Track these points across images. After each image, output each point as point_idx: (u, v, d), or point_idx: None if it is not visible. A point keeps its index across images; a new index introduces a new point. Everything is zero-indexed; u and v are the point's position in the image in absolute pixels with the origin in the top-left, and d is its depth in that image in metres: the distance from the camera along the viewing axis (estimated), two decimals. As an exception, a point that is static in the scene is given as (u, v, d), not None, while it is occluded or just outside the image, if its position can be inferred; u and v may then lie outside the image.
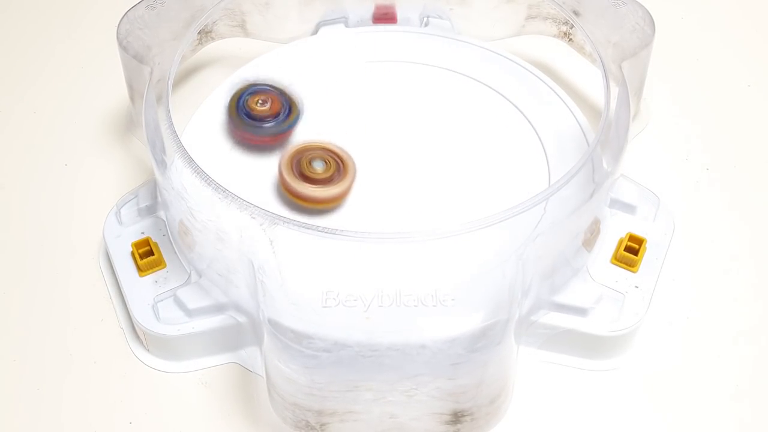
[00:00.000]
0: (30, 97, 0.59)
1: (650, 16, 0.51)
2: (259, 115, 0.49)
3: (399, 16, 0.57)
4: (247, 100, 0.49)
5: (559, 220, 0.43)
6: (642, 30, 0.50)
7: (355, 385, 0.40)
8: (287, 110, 0.50)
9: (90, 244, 0.50)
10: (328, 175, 0.47)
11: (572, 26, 0.54)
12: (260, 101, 0.49)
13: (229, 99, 0.50)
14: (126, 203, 0.49)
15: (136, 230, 0.49)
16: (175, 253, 0.47)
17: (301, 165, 0.47)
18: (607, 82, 0.48)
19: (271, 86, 0.50)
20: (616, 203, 0.49)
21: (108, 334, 0.47)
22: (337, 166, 0.47)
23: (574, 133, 0.51)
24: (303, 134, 0.51)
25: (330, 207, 0.47)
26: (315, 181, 0.47)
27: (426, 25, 0.57)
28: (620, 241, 0.48)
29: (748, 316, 0.48)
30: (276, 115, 0.49)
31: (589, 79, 0.56)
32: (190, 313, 0.45)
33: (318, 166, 0.47)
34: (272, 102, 0.49)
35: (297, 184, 0.46)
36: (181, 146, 0.45)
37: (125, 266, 0.47)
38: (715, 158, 0.55)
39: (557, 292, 0.45)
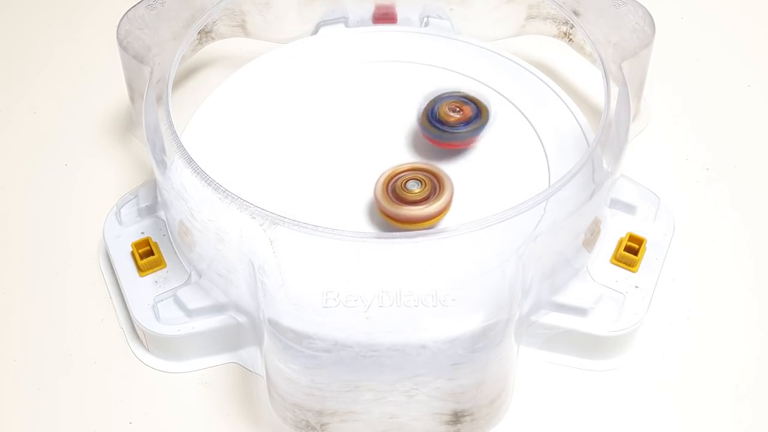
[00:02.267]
0: (30, 97, 0.59)
1: (650, 16, 0.51)
2: (452, 122, 0.49)
3: (399, 16, 0.57)
4: (438, 109, 0.49)
5: (559, 220, 0.43)
6: (642, 30, 0.50)
7: (356, 386, 0.40)
8: (477, 114, 0.50)
9: (90, 244, 0.50)
10: (425, 195, 0.46)
11: (572, 26, 0.54)
12: (451, 109, 0.49)
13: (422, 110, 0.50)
14: (126, 203, 0.49)
15: (136, 230, 0.49)
16: (175, 253, 0.47)
17: (396, 188, 0.46)
18: (607, 82, 0.48)
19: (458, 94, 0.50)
20: (616, 203, 0.49)
21: (108, 334, 0.47)
22: (433, 184, 0.46)
23: (574, 133, 0.51)
24: (312, 133, 0.50)
25: (430, 225, 0.46)
26: (412, 202, 0.46)
27: (426, 25, 0.57)
28: (620, 241, 0.48)
29: (748, 316, 0.48)
30: (468, 121, 0.49)
31: (589, 79, 0.56)
32: (190, 313, 0.45)
33: (414, 187, 0.46)
34: (463, 109, 0.49)
35: (394, 207, 0.45)
36: (181, 146, 0.45)
37: (125, 266, 0.47)
38: (715, 158, 0.55)
39: (557, 292, 0.45)
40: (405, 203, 0.45)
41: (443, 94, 0.50)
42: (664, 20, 0.53)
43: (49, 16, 0.64)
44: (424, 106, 0.50)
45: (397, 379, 0.40)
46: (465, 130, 0.49)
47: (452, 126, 0.49)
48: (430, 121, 0.49)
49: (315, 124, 0.52)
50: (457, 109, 0.49)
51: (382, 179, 0.47)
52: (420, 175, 0.47)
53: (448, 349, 0.40)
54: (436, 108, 0.49)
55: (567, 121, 0.51)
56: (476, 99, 0.50)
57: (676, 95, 0.58)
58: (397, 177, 0.47)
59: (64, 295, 0.49)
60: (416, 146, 0.50)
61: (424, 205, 0.45)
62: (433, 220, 0.46)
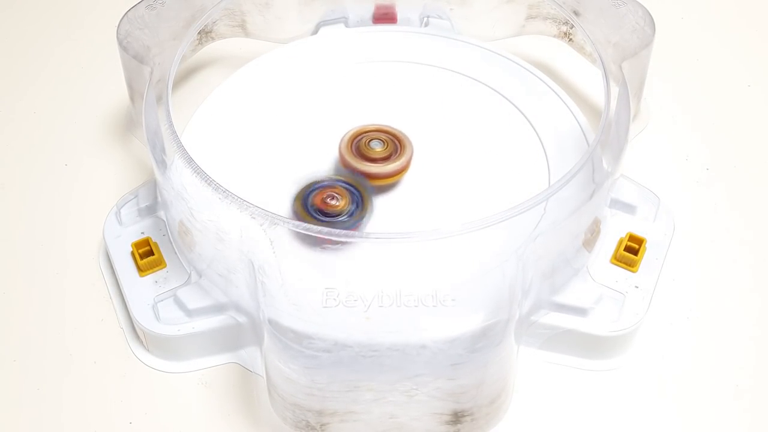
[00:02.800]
0: (30, 97, 0.59)
1: (650, 16, 0.51)
2: (332, 212, 0.46)
3: (399, 16, 0.57)
4: (313, 197, 0.47)
5: (559, 220, 0.43)
6: (642, 30, 0.50)
7: (356, 386, 0.40)
8: (359, 204, 0.47)
9: (90, 244, 0.50)
10: (386, 154, 0.48)
11: (572, 26, 0.54)
12: (328, 197, 0.47)
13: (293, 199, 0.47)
14: (126, 203, 0.49)
15: (136, 230, 0.49)
16: (175, 253, 0.47)
17: (360, 146, 0.48)
18: (607, 82, 0.48)
19: (336, 180, 0.48)
20: (616, 203, 0.49)
21: (108, 334, 0.47)
22: (394, 145, 0.48)
23: (574, 133, 0.51)
24: (312, 133, 0.51)
25: (390, 182, 0.48)
26: (375, 160, 0.48)
27: (426, 25, 0.57)
28: (620, 241, 0.48)
29: (748, 316, 0.48)
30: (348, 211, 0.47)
31: (589, 79, 0.56)
32: (190, 313, 0.45)
33: (376, 146, 0.48)
34: (342, 197, 0.47)
35: (358, 164, 0.48)
36: (181, 146, 0.45)
37: (125, 266, 0.47)
38: (715, 158, 0.55)
39: (557, 292, 0.45)
40: (368, 160, 0.48)
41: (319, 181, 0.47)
42: (664, 20, 0.53)
43: (49, 16, 0.64)
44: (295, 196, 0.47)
45: (397, 379, 0.40)
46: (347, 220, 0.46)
47: (330, 215, 0.46)
48: (306, 209, 0.46)
49: (315, 124, 0.52)
50: (335, 197, 0.46)
51: (346, 137, 0.48)
52: (383, 136, 0.49)
53: (448, 349, 0.40)
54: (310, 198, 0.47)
55: (567, 121, 0.51)
56: (354, 181, 0.48)
57: (676, 95, 0.58)
58: (361, 136, 0.49)
59: (64, 295, 0.49)
60: (416, 145, 0.50)
61: (386, 163, 0.48)
62: (393, 178, 0.48)
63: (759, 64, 0.60)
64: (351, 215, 0.46)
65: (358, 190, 0.47)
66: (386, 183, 0.48)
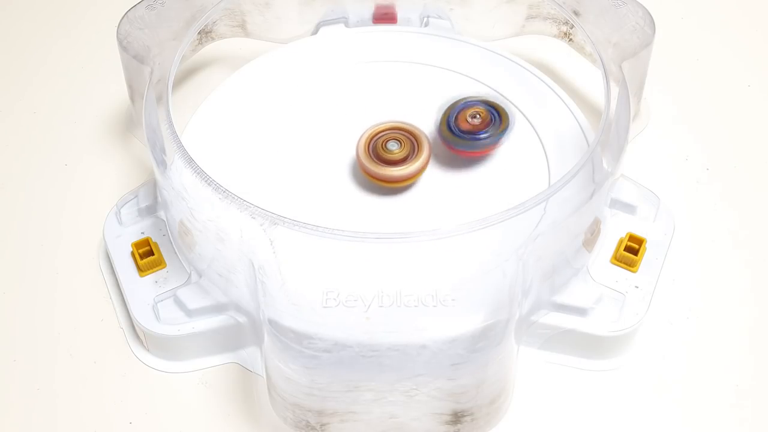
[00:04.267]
0: (30, 97, 0.59)
1: (650, 16, 0.51)
2: (473, 130, 0.48)
3: (399, 16, 0.57)
4: (457, 117, 0.49)
5: (559, 220, 0.43)
6: (642, 30, 0.50)
7: (356, 386, 0.40)
8: (498, 121, 0.49)
9: (90, 244, 0.50)
10: (404, 154, 0.48)
11: (572, 26, 0.54)
12: (470, 116, 0.49)
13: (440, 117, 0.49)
14: (126, 203, 0.49)
15: (136, 230, 0.49)
16: (175, 253, 0.47)
17: (377, 148, 0.48)
18: (608, 82, 0.48)
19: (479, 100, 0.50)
20: (616, 203, 0.49)
21: (108, 334, 0.47)
22: (412, 144, 0.48)
23: (574, 133, 0.51)
24: (312, 133, 0.51)
25: (408, 184, 0.48)
26: (393, 162, 0.47)
27: (426, 25, 0.57)
28: (620, 241, 0.48)
29: (748, 316, 0.48)
30: (487, 127, 0.49)
31: (589, 79, 0.56)
32: (190, 313, 0.45)
33: (393, 147, 0.48)
34: (482, 115, 0.49)
35: (375, 167, 0.47)
36: (181, 146, 0.45)
37: (125, 266, 0.47)
38: (715, 158, 0.55)
39: (557, 292, 0.45)
40: (386, 163, 0.47)
41: (459, 101, 0.50)
42: (664, 20, 0.53)
43: (49, 16, 0.64)
44: (441, 116, 0.49)
45: (397, 379, 0.40)
46: (487, 135, 0.48)
47: (473, 133, 0.48)
48: (451, 131, 0.49)
49: (315, 124, 0.52)
50: (477, 115, 0.49)
51: (362, 140, 0.48)
52: (398, 135, 0.48)
53: (448, 349, 0.40)
54: (453, 117, 0.49)
55: (567, 121, 0.51)
56: (494, 103, 0.49)
57: (676, 95, 0.58)
58: (377, 137, 0.48)
59: (64, 295, 0.49)
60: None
61: (405, 165, 0.47)
62: (413, 178, 0.48)
63: (759, 64, 0.60)
64: (490, 131, 0.48)
65: (496, 110, 0.49)
66: (407, 184, 0.48)
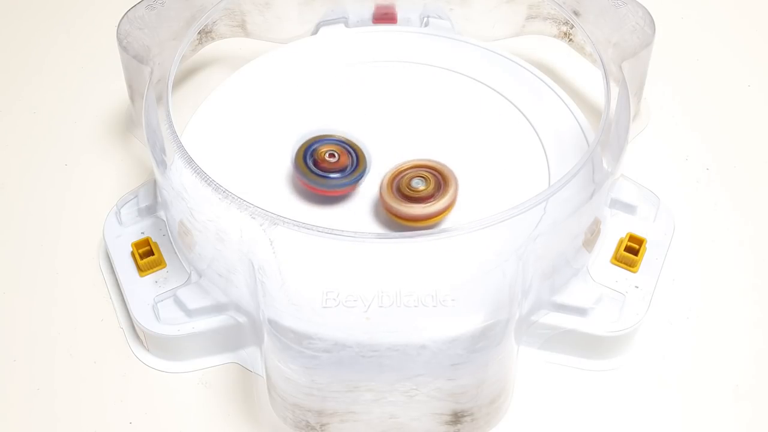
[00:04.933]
0: (30, 97, 0.59)
1: (650, 16, 0.51)
2: (328, 168, 0.47)
3: (399, 16, 0.57)
4: (315, 151, 0.47)
5: (560, 220, 0.43)
6: (642, 30, 0.50)
7: (356, 386, 0.40)
8: (355, 164, 0.48)
9: (90, 244, 0.50)
10: (430, 192, 0.46)
11: (572, 26, 0.54)
12: (329, 153, 0.47)
13: (297, 149, 0.48)
14: (126, 203, 0.49)
15: (136, 230, 0.49)
16: (175, 253, 0.47)
17: (401, 186, 0.46)
18: (608, 82, 0.48)
19: (340, 140, 0.49)
20: (616, 203, 0.49)
21: (108, 334, 0.47)
22: (437, 181, 0.46)
23: (574, 133, 0.51)
24: (311, 133, 0.51)
25: (436, 222, 0.46)
26: (417, 200, 0.46)
27: (426, 25, 0.57)
28: (620, 241, 0.48)
29: (748, 316, 0.48)
30: (343, 169, 0.47)
31: (589, 79, 0.56)
32: (190, 313, 0.45)
33: (418, 185, 0.46)
34: (340, 156, 0.47)
35: (400, 205, 0.45)
36: (181, 146, 0.45)
37: (125, 266, 0.47)
38: (715, 158, 0.55)
39: (557, 292, 0.45)
40: (410, 201, 0.46)
41: (319, 137, 0.48)
42: (664, 20, 0.53)
43: (48, 16, 0.64)
44: (298, 147, 0.48)
45: (397, 379, 0.40)
46: (340, 177, 0.47)
47: (328, 172, 0.47)
48: (306, 164, 0.47)
49: (315, 124, 0.52)
50: (335, 155, 0.47)
51: (386, 178, 0.47)
52: (424, 173, 0.47)
53: (448, 349, 0.40)
54: (311, 151, 0.47)
55: (567, 121, 0.51)
56: (355, 145, 0.48)
57: (676, 95, 0.58)
58: (401, 175, 0.47)
59: (64, 295, 0.49)
60: (417, 145, 0.50)
61: (430, 203, 0.45)
62: (438, 217, 0.46)
63: (759, 64, 0.60)
64: (346, 173, 0.47)
65: (355, 151, 0.47)
66: (432, 223, 0.46)
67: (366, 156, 0.48)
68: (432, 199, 0.46)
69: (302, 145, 0.48)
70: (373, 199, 0.48)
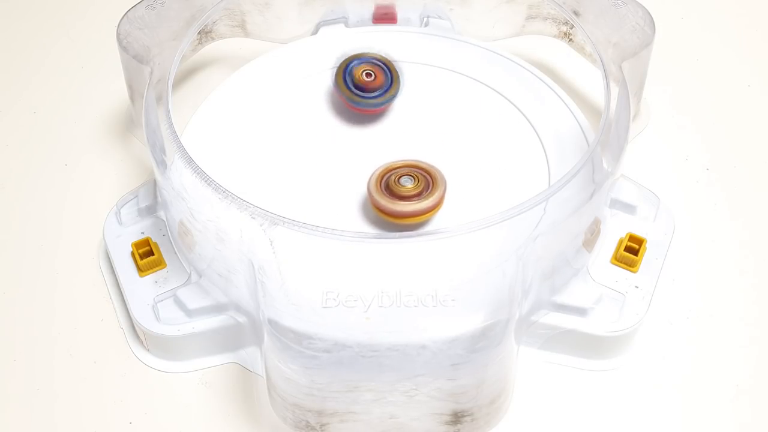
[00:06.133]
0: (30, 97, 0.59)
1: (650, 16, 0.51)
2: (365, 86, 0.50)
3: (399, 16, 0.57)
4: (353, 70, 0.51)
5: (560, 220, 0.43)
6: (642, 30, 0.50)
7: (356, 386, 0.41)
8: (389, 84, 0.51)
9: (90, 244, 0.50)
10: (417, 190, 0.46)
11: (572, 26, 0.54)
12: (366, 73, 0.50)
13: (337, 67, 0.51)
14: (126, 203, 0.49)
15: (136, 230, 0.49)
16: (175, 253, 0.47)
17: (389, 183, 0.46)
18: (607, 82, 0.48)
19: (377, 59, 0.52)
20: (616, 203, 0.49)
21: (108, 334, 0.47)
22: (426, 180, 0.46)
23: (574, 133, 0.51)
24: (311, 133, 0.51)
25: (422, 221, 0.46)
26: (405, 198, 0.46)
27: (426, 25, 0.57)
28: (620, 241, 0.48)
29: (748, 316, 0.48)
30: (379, 88, 0.51)
31: (589, 79, 0.56)
32: (190, 313, 0.45)
33: (407, 183, 0.46)
34: (376, 75, 0.51)
35: (387, 202, 0.45)
36: (181, 146, 0.45)
37: (125, 266, 0.47)
38: (715, 158, 0.55)
39: (557, 292, 0.45)
40: (398, 198, 0.45)
41: (356, 55, 0.51)
42: (664, 20, 0.53)
43: (48, 16, 0.64)
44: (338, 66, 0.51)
45: (396, 379, 0.40)
46: (376, 97, 0.50)
47: (368, 91, 0.50)
48: (346, 83, 0.50)
49: (315, 124, 0.52)
50: (371, 74, 0.50)
51: (375, 174, 0.47)
52: (413, 172, 0.47)
53: (448, 349, 0.40)
54: (350, 69, 0.51)
55: (567, 121, 0.51)
56: (390, 65, 0.51)
57: (676, 95, 0.58)
58: (390, 173, 0.47)
59: (64, 295, 0.49)
60: (416, 146, 0.50)
61: (417, 201, 0.45)
62: (425, 216, 0.46)
63: (759, 64, 0.60)
64: (382, 93, 0.50)
65: (390, 70, 0.51)
66: (418, 221, 0.46)
67: (399, 75, 0.51)
68: (419, 198, 0.46)
69: (341, 64, 0.51)
70: (362, 197, 0.48)
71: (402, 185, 0.46)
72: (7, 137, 0.56)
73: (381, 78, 0.51)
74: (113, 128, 0.56)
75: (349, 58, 0.51)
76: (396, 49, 0.56)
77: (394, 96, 0.51)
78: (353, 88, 0.50)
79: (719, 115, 0.57)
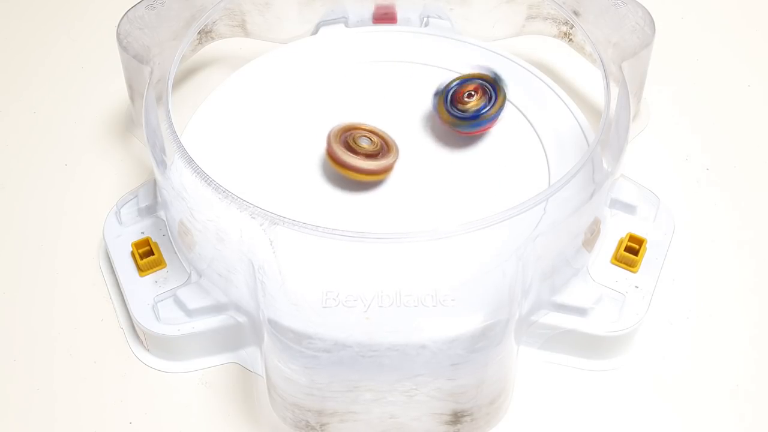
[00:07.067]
0: (30, 97, 0.59)
1: (650, 16, 0.51)
2: (471, 108, 0.49)
3: (399, 16, 0.57)
4: (453, 99, 0.50)
5: (559, 220, 0.43)
6: (642, 30, 0.50)
7: (355, 386, 0.41)
8: (494, 93, 0.50)
9: (90, 244, 0.50)
10: (373, 150, 0.48)
11: (572, 26, 0.54)
12: (467, 94, 0.50)
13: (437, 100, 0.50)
14: (126, 203, 0.49)
15: (136, 230, 0.49)
16: (175, 253, 0.47)
17: (348, 141, 0.48)
18: (607, 82, 0.48)
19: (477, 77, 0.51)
20: (616, 203, 0.49)
21: (108, 334, 0.47)
22: (382, 144, 0.48)
23: (574, 133, 0.51)
24: (311, 133, 0.51)
25: (374, 180, 0.48)
26: (359, 154, 0.48)
27: (426, 25, 0.57)
28: (620, 241, 0.48)
29: (747, 315, 0.48)
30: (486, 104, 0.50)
31: (589, 79, 0.56)
32: (190, 313, 0.45)
33: (364, 143, 0.48)
34: (479, 93, 0.50)
35: (346, 155, 0.48)
36: (181, 146, 0.45)
37: (125, 266, 0.47)
38: (715, 158, 0.55)
39: (557, 292, 0.45)
40: (354, 153, 0.48)
41: (450, 82, 0.50)
42: (664, 20, 0.53)
43: (49, 16, 0.64)
44: (437, 102, 0.50)
45: (396, 379, 0.40)
46: (488, 109, 0.49)
47: (476, 111, 0.49)
48: (452, 114, 0.49)
49: (315, 124, 0.52)
50: (472, 93, 0.50)
51: (337, 129, 0.48)
52: (372, 136, 0.48)
53: (448, 349, 0.40)
54: (450, 95, 0.50)
55: (567, 121, 0.51)
56: (483, 75, 0.50)
57: (676, 95, 0.58)
58: (352, 132, 0.48)
59: (64, 295, 0.49)
60: (416, 146, 0.50)
61: (371, 160, 0.48)
62: (375, 176, 0.48)
63: (759, 64, 0.60)
64: (486, 109, 0.49)
65: (491, 84, 0.49)
66: (369, 180, 0.48)
67: (502, 88, 0.50)
68: (373, 158, 0.48)
69: (439, 98, 0.50)
70: (368, 201, 0.48)
71: (359, 144, 0.48)
72: (7, 137, 0.56)
73: (480, 92, 0.50)
74: (113, 128, 0.56)
75: (444, 89, 0.50)
76: (396, 49, 0.56)
77: (503, 102, 0.50)
78: (462, 115, 0.49)
79: (719, 115, 0.57)
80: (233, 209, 0.42)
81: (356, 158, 0.47)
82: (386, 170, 0.48)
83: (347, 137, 0.48)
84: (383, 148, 0.48)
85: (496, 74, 0.50)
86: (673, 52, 0.59)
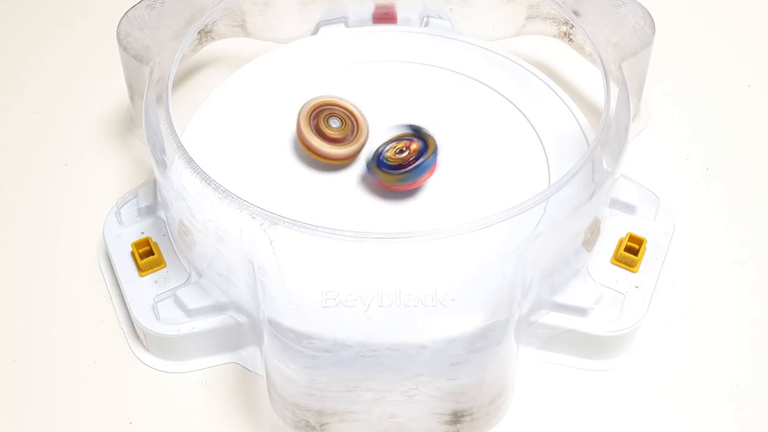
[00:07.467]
0: (30, 97, 0.59)
1: (650, 16, 0.51)
2: (402, 162, 0.47)
3: (399, 16, 0.57)
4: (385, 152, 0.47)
5: (559, 220, 0.43)
6: (642, 30, 0.50)
7: (355, 385, 0.41)
8: (424, 147, 0.47)
9: (90, 244, 0.50)
10: (343, 134, 0.48)
11: (572, 26, 0.54)
12: (398, 150, 0.47)
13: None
14: (126, 203, 0.49)
15: (136, 230, 0.49)
16: (175, 253, 0.47)
17: (318, 122, 0.48)
18: (607, 82, 0.48)
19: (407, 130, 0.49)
20: (616, 203, 0.49)
21: (108, 334, 0.47)
22: (352, 125, 0.49)
23: (574, 133, 0.51)
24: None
25: (343, 164, 0.49)
26: (331, 140, 0.48)
27: (426, 25, 0.57)
28: (620, 241, 0.48)
29: (747, 316, 0.48)
30: (418, 156, 0.47)
31: (589, 79, 0.56)
32: (190, 313, 0.45)
33: (334, 124, 0.48)
34: (408, 146, 0.47)
35: (314, 141, 0.48)
36: (181, 146, 0.45)
37: (125, 266, 0.47)
38: (715, 158, 0.55)
39: (557, 292, 0.45)
40: (324, 139, 0.48)
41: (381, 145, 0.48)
42: (664, 20, 0.53)
43: (49, 16, 0.64)
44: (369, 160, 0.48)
45: (396, 379, 0.40)
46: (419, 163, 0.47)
47: (405, 165, 0.47)
48: (380, 168, 0.47)
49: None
50: (404, 149, 0.47)
51: (307, 108, 0.49)
52: (342, 114, 0.49)
53: (448, 349, 0.40)
54: (382, 154, 0.47)
55: (567, 121, 0.51)
56: (417, 127, 0.48)
57: (676, 95, 0.58)
58: (321, 108, 0.49)
59: (64, 295, 0.49)
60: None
61: (341, 145, 0.48)
62: (343, 161, 0.49)
63: (759, 64, 0.60)
64: (420, 158, 0.47)
65: (415, 135, 0.48)
66: (339, 163, 0.49)
67: (432, 139, 0.48)
68: (344, 142, 0.48)
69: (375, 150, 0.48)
70: (368, 201, 0.48)
71: (330, 126, 0.48)
72: (7, 137, 0.56)
73: (409, 143, 0.47)
74: (113, 128, 0.56)
75: (373, 156, 0.48)
76: (396, 49, 0.56)
77: (434, 152, 0.47)
78: (394, 170, 0.47)
79: (719, 115, 0.57)
80: (233, 209, 0.42)
81: (324, 143, 0.48)
82: (351, 157, 0.49)
83: (318, 116, 0.49)
84: (353, 129, 0.49)
85: (413, 126, 0.48)
86: (673, 52, 0.59)
